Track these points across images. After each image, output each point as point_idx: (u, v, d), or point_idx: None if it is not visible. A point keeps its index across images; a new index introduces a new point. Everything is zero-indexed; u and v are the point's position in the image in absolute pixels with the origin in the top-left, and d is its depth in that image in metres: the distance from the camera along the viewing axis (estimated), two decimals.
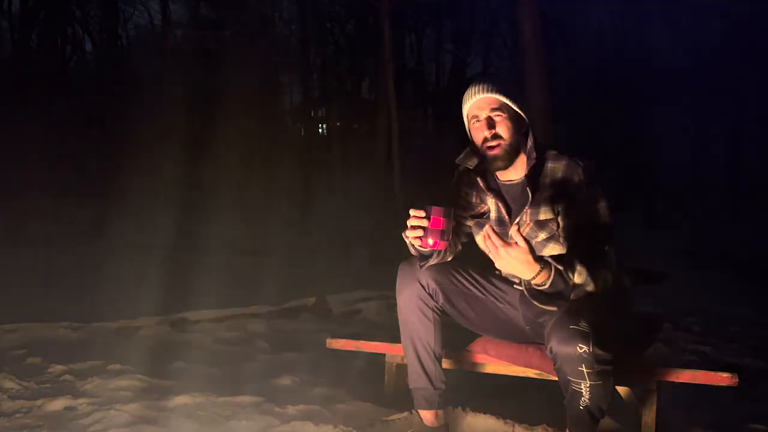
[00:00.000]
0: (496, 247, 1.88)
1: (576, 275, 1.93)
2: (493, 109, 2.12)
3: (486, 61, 19.88)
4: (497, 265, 1.92)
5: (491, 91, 2.12)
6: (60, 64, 16.54)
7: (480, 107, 2.14)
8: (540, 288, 1.93)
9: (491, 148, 2.13)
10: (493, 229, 1.89)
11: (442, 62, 20.44)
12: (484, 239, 1.90)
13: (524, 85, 6.22)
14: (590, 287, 1.94)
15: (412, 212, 2.02)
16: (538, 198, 2.15)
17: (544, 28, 6.59)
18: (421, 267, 2.23)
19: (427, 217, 2.00)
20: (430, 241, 2.01)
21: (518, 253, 1.87)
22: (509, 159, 2.15)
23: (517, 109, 2.13)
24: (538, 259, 1.90)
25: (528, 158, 2.15)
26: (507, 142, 2.13)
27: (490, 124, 2.13)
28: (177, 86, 13.98)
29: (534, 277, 1.90)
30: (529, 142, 2.15)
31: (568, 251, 2.08)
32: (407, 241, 2.13)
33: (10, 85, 13.65)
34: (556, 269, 1.91)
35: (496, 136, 2.13)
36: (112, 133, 13.06)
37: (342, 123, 17.77)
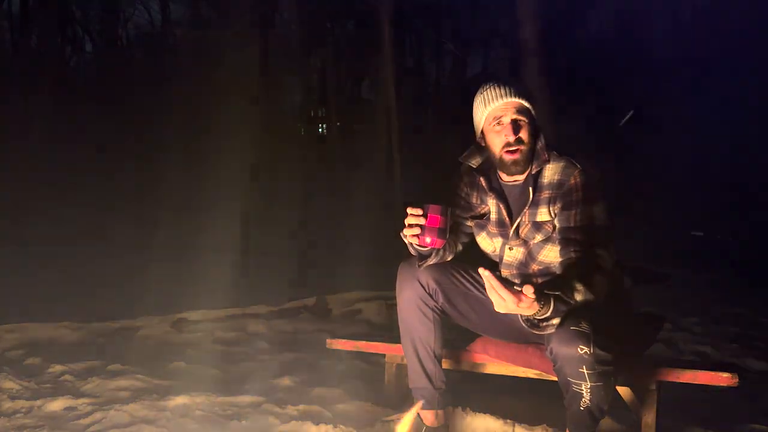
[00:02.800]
0: (503, 299, 1.78)
1: (575, 294, 1.89)
2: (519, 111, 2.11)
3: (486, 61, 19.88)
4: (498, 309, 1.83)
5: (517, 96, 2.10)
6: (60, 65, 16.53)
7: (504, 110, 2.12)
8: (541, 318, 1.88)
9: (512, 152, 2.12)
10: (499, 279, 1.79)
11: (442, 62, 20.47)
12: (490, 290, 1.80)
13: None
14: (590, 297, 1.94)
15: (409, 210, 2.01)
16: (537, 199, 2.14)
17: (544, 28, 6.58)
18: (419, 266, 2.23)
19: (424, 215, 2.00)
20: (428, 240, 2.01)
21: (526, 305, 1.80)
22: (526, 164, 2.14)
23: (535, 115, 2.14)
24: (539, 298, 1.82)
25: (537, 160, 2.14)
26: (527, 148, 2.12)
27: (516, 128, 2.10)
28: (176, 86, 13.98)
29: (536, 313, 1.86)
30: (540, 144, 2.15)
31: (562, 258, 2.08)
32: (406, 240, 2.13)
33: (10, 85, 13.65)
34: (555, 296, 1.86)
35: (519, 141, 2.11)
36: (111, 133, 13.05)
37: (342, 123, 17.76)
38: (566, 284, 1.91)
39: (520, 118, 2.11)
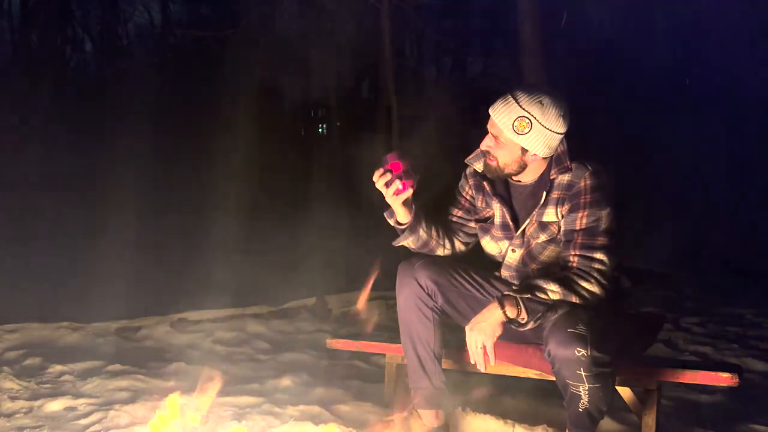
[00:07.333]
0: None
1: (550, 293, 1.94)
2: (495, 135, 2.14)
3: (486, 61, 19.84)
4: (469, 336, 2.02)
5: (497, 118, 2.11)
6: (60, 65, 16.53)
7: (489, 123, 2.15)
8: (521, 321, 1.95)
9: (488, 157, 2.17)
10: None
11: (442, 62, 20.42)
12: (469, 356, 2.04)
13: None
14: (573, 299, 1.95)
15: (376, 173, 2.13)
16: (546, 199, 2.15)
17: (544, 27, 6.57)
18: (394, 244, 2.30)
19: (387, 166, 2.13)
20: (399, 186, 2.12)
21: (478, 318, 1.99)
22: (495, 174, 2.18)
23: (522, 145, 2.10)
24: (508, 300, 1.96)
25: (558, 165, 2.13)
26: (498, 163, 2.15)
27: (488, 142, 2.15)
28: (177, 86, 13.98)
29: (504, 314, 1.94)
30: (561, 148, 2.13)
31: (562, 259, 2.09)
32: (390, 221, 2.26)
33: (9, 85, 13.66)
34: (524, 299, 1.93)
35: (487, 153, 2.16)
36: (111, 132, 13.05)
37: (342, 123, 17.75)
38: (536, 286, 1.95)
39: (498, 134, 2.12)
